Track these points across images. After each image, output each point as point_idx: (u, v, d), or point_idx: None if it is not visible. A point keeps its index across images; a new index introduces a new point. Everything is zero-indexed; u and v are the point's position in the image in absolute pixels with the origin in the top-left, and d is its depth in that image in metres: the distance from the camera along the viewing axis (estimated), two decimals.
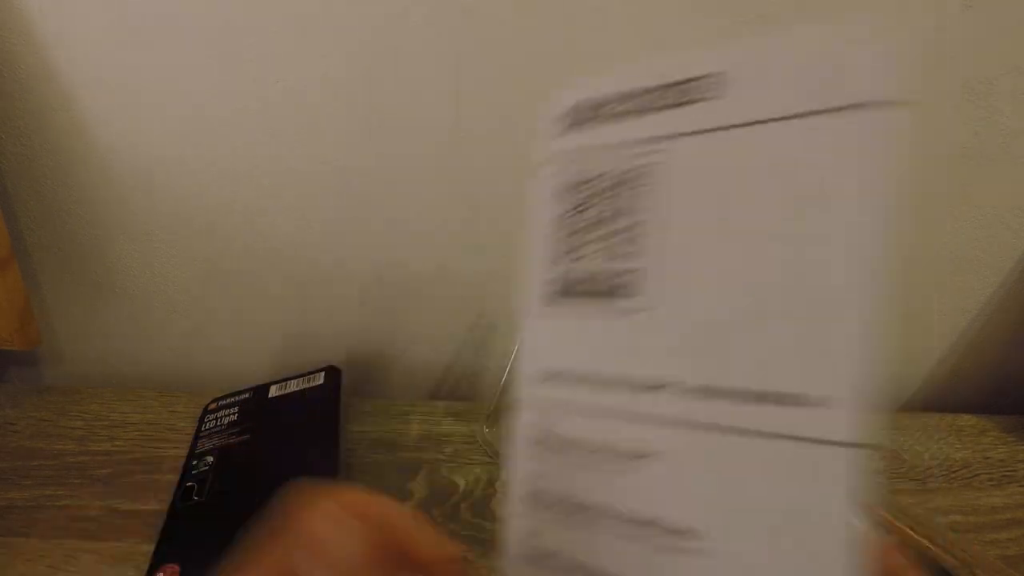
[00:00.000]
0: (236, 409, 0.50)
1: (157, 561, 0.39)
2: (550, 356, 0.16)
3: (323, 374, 0.52)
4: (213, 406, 0.51)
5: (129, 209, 0.49)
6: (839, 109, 0.13)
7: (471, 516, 0.43)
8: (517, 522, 0.17)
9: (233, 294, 0.54)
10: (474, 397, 0.58)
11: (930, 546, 0.42)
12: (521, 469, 0.17)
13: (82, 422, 0.51)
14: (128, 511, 0.43)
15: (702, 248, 0.14)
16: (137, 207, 0.49)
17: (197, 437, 0.49)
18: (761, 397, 0.14)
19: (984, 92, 0.43)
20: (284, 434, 0.48)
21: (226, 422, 0.49)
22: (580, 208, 0.16)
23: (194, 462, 0.46)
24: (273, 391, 0.51)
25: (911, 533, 0.43)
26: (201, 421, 0.50)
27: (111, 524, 0.42)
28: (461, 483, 0.46)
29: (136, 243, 0.51)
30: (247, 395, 0.51)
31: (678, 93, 0.15)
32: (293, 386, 0.51)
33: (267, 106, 0.44)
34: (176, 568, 0.38)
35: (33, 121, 0.45)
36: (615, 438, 0.15)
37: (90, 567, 0.40)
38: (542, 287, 0.16)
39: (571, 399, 0.16)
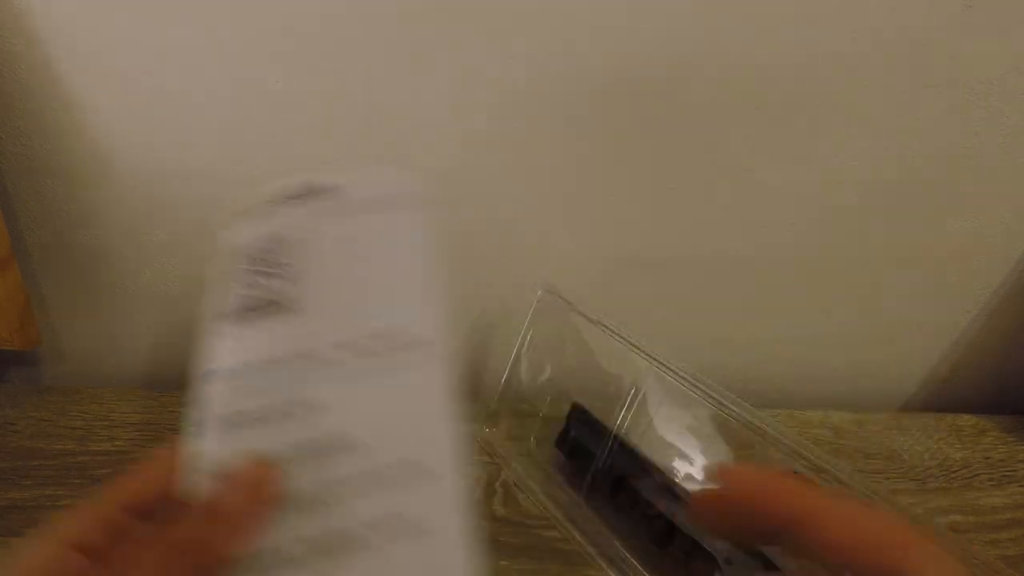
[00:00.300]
0: None
1: None
2: (232, 357, 0.24)
3: None
4: None
5: (129, 209, 0.49)
6: (392, 207, 0.27)
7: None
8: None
9: None
10: (474, 397, 0.58)
11: None
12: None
13: (82, 422, 0.51)
14: None
15: (330, 281, 0.25)
16: (137, 207, 0.49)
17: None
18: (378, 337, 0.24)
19: (984, 92, 0.43)
20: None
21: None
22: (251, 261, 0.26)
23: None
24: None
25: None
26: None
27: None
28: None
29: (136, 243, 0.51)
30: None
31: (309, 195, 0.27)
32: None
33: (267, 106, 0.44)
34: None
35: (33, 121, 0.45)
36: (297, 392, 0.23)
37: None
38: (223, 313, 0.25)
39: (251, 382, 0.24)
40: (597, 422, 0.42)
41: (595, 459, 0.41)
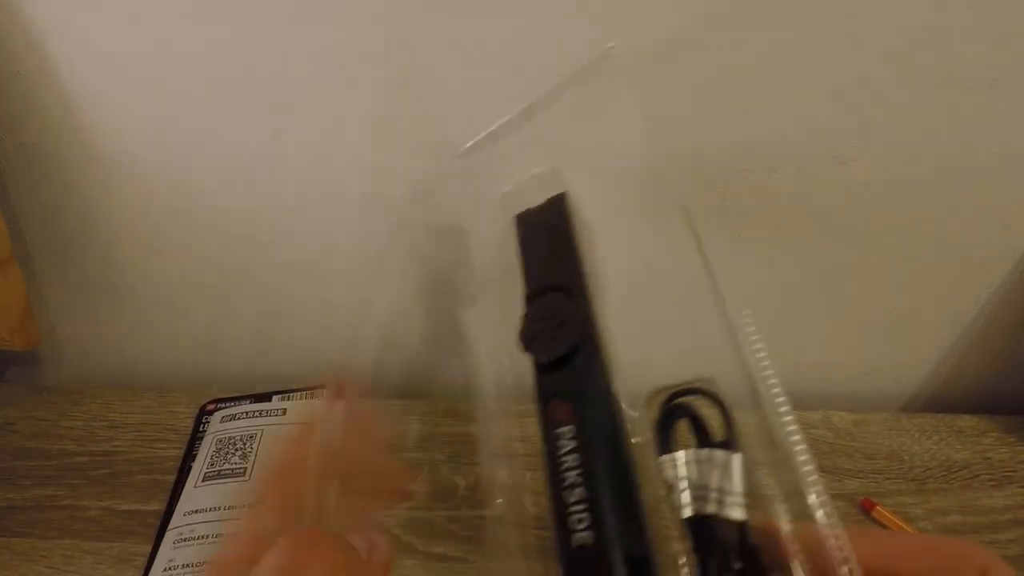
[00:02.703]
0: (234, 412, 0.50)
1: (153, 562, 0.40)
2: (199, 503, 0.42)
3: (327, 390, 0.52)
4: (211, 407, 0.51)
5: (129, 209, 0.49)
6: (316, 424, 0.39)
7: (472, 516, 0.43)
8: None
9: (233, 294, 0.54)
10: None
11: None
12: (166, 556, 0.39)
13: (82, 422, 0.51)
14: (128, 511, 0.43)
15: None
16: (137, 207, 0.49)
17: (194, 438, 0.49)
18: None
19: (984, 92, 0.43)
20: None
21: None
22: (221, 445, 0.46)
23: (191, 463, 0.46)
24: (275, 401, 0.51)
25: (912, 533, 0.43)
26: (198, 421, 0.50)
27: (111, 524, 0.43)
28: (461, 483, 0.46)
29: (136, 243, 0.51)
30: (248, 401, 0.52)
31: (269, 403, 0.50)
32: (297, 399, 0.51)
33: (269, 106, 0.44)
34: None
35: (33, 121, 0.45)
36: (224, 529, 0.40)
37: (90, 567, 0.40)
38: (198, 476, 0.44)
39: (205, 520, 0.41)
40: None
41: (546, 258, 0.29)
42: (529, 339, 0.26)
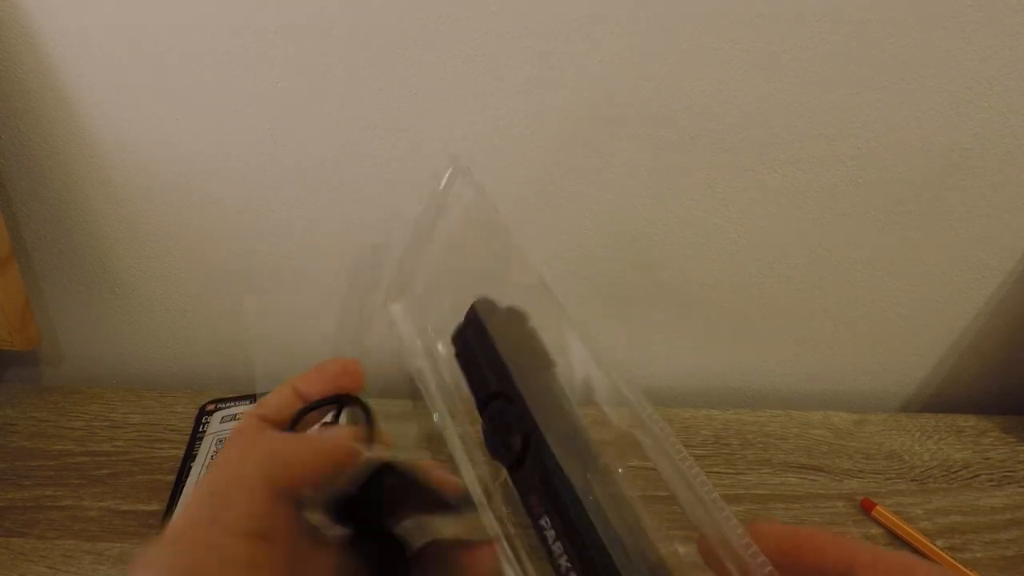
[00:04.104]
0: (234, 412, 0.50)
1: None
2: None
3: None
4: (211, 407, 0.51)
5: (129, 209, 0.49)
6: None
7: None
8: None
9: (233, 295, 0.54)
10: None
11: (932, 546, 0.42)
12: None
13: (82, 422, 0.51)
14: (128, 511, 0.43)
15: None
16: (137, 207, 0.49)
17: (194, 438, 0.49)
18: None
19: (984, 92, 0.43)
20: None
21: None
22: (221, 445, 0.44)
23: (191, 464, 0.46)
24: None
25: (912, 532, 0.43)
26: (198, 422, 0.50)
27: (111, 524, 0.43)
28: (461, 483, 0.46)
29: (136, 243, 0.51)
30: (248, 401, 0.52)
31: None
32: None
33: (268, 106, 0.44)
34: None
35: (33, 121, 0.45)
36: None
37: (89, 568, 0.40)
38: (199, 476, 0.43)
39: None
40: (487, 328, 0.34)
41: (482, 370, 0.33)
42: (492, 449, 0.31)
